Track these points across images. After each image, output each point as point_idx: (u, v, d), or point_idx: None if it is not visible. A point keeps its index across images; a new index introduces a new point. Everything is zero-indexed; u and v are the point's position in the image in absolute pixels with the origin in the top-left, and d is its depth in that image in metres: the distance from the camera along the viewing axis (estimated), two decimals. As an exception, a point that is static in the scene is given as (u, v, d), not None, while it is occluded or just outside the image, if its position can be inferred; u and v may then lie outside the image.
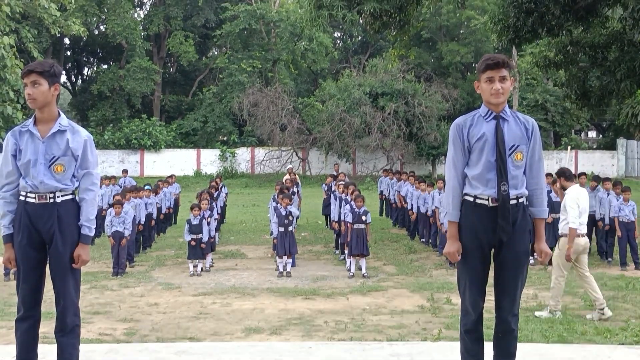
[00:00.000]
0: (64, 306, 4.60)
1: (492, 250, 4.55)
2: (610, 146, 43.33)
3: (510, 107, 4.16)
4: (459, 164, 4.52)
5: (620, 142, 41.30)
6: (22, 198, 4.61)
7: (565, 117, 41.45)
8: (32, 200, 4.57)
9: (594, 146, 49.57)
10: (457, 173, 4.52)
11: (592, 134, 60.98)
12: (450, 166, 4.55)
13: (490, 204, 4.43)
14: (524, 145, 4.49)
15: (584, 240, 9.11)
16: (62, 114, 4.71)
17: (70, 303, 4.61)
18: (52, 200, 4.57)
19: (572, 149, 38.16)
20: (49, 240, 4.58)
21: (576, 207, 8.99)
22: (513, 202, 4.44)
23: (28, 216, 4.57)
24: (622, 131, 40.05)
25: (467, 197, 4.51)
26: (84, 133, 4.72)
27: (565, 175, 9.50)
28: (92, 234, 4.71)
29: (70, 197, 4.65)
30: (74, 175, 4.67)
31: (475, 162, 4.49)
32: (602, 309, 8.73)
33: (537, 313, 8.97)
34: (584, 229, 9.12)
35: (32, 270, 4.60)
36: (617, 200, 13.44)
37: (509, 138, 4.46)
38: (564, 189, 9.50)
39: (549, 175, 15.43)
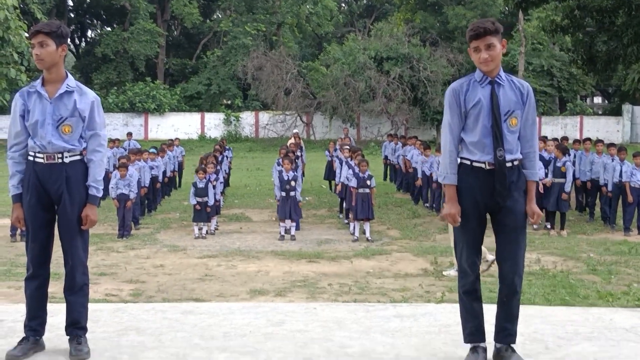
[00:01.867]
0: (72, 265, 4.65)
1: (488, 214, 4.59)
2: (616, 112, 43.11)
3: (516, 72, 4.10)
4: (455, 128, 4.55)
5: (626, 107, 41.08)
6: (30, 158, 4.63)
7: (571, 82, 41.21)
8: (41, 161, 4.59)
9: (600, 112, 49.35)
10: (453, 137, 4.54)
11: (597, 99, 60.67)
12: (447, 130, 4.57)
13: (487, 167, 4.47)
14: (519, 110, 4.51)
15: None
16: (69, 75, 4.72)
17: (78, 262, 4.65)
18: (60, 160, 4.60)
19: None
20: (57, 200, 4.62)
21: None
22: (509, 165, 4.47)
23: (37, 176, 4.60)
24: (628, 97, 39.85)
25: (464, 161, 4.54)
26: (91, 94, 4.73)
27: None
28: (100, 194, 4.74)
29: (78, 157, 4.67)
30: (81, 136, 4.69)
31: (472, 128, 4.51)
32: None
33: (444, 272, 9.34)
34: None
35: (41, 229, 4.64)
36: (623, 165, 13.42)
37: (504, 103, 4.48)
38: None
39: (554, 140, 15.43)
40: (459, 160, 4.57)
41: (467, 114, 4.51)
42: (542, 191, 13.05)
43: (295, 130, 26.03)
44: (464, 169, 4.53)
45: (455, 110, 4.53)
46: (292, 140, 21.39)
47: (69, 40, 4.83)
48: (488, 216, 4.61)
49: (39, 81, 4.69)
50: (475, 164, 4.50)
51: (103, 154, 4.74)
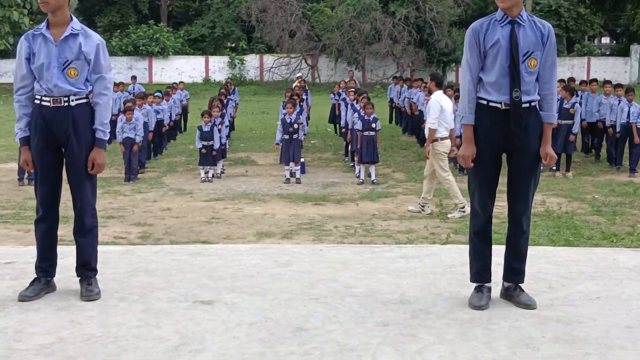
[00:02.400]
0: (81, 207, 4.69)
1: (504, 154, 4.60)
2: (624, 52, 42.63)
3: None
4: (474, 69, 4.52)
5: (634, 48, 40.61)
6: (37, 101, 4.63)
7: (579, 22, 40.64)
8: (47, 104, 4.60)
9: (607, 52, 48.81)
10: (472, 77, 4.52)
11: (605, 39, 59.93)
12: (466, 70, 4.55)
13: (503, 107, 4.46)
14: (539, 51, 4.47)
15: (448, 142, 9.75)
16: (74, 18, 4.69)
17: (87, 204, 4.70)
18: (66, 103, 4.60)
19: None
20: (64, 143, 4.63)
21: (434, 111, 9.56)
22: (525, 106, 4.46)
23: (43, 119, 4.61)
24: (637, 37, 39.40)
25: (480, 101, 4.53)
26: (96, 37, 4.70)
27: (437, 79, 10.10)
28: (107, 137, 4.75)
29: (84, 100, 4.67)
30: (87, 80, 4.69)
31: (490, 68, 4.48)
32: (424, 206, 9.63)
33: (449, 215, 9.56)
34: (446, 133, 9.73)
35: (49, 172, 4.66)
36: (631, 106, 13.35)
37: (524, 44, 4.43)
38: (430, 92, 10.14)
39: (561, 81, 15.31)
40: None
41: (486, 54, 4.48)
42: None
43: (298, 74, 25.79)
44: (480, 109, 4.52)
45: (475, 50, 4.50)
46: (296, 84, 21.28)
47: (72, -18, 4.77)
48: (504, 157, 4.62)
49: (43, 24, 4.66)
50: (491, 104, 4.49)
51: (109, 97, 4.74)
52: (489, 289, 4.65)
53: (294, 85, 21.34)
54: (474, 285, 4.67)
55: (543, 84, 4.54)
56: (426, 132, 9.98)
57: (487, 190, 4.57)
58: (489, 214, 4.61)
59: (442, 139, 9.61)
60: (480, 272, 4.64)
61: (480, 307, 4.50)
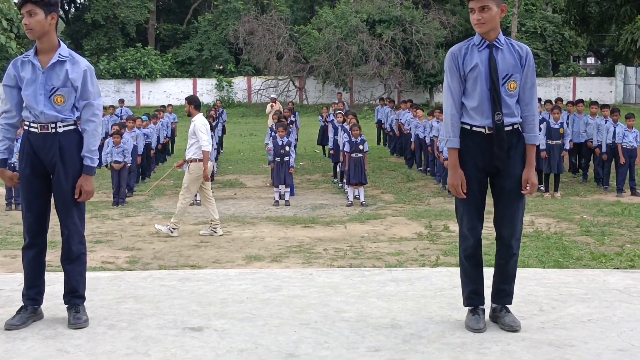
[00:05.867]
0: (68, 235, 4.64)
1: (489, 177, 4.59)
2: (609, 73, 43.00)
3: (509, 34, 4.07)
4: (455, 93, 4.54)
5: (619, 68, 40.97)
6: (25, 127, 4.62)
7: (563, 44, 40.97)
8: (35, 130, 4.57)
9: (593, 72, 49.22)
10: (454, 101, 4.54)
11: (590, 60, 60.48)
12: (448, 95, 4.57)
13: (486, 132, 4.47)
14: (518, 73, 4.50)
15: (211, 164, 10.37)
16: (62, 44, 4.67)
17: (75, 231, 4.65)
18: (53, 130, 4.58)
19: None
20: (51, 170, 4.60)
21: (206, 132, 9.99)
22: (508, 128, 4.48)
23: (31, 146, 4.59)
24: (621, 57, 39.71)
25: (464, 126, 4.54)
26: (83, 63, 4.68)
27: (195, 102, 10.36)
28: (95, 164, 4.71)
29: (72, 127, 4.65)
30: (75, 106, 4.67)
31: (471, 92, 4.51)
32: (215, 229, 9.89)
33: (156, 226, 9.95)
34: (201, 154, 10.09)
35: (37, 198, 4.63)
36: (616, 126, 13.43)
37: (502, 67, 4.46)
38: (190, 115, 10.31)
39: (548, 102, 15.41)
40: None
41: (466, 78, 4.51)
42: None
43: (272, 96, 25.26)
44: (464, 134, 4.53)
45: (455, 74, 4.53)
46: (270, 108, 21.08)
47: (59, 7, 4.75)
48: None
49: (32, 50, 4.65)
50: (474, 128, 4.51)
51: (97, 123, 4.71)
52: (484, 310, 4.62)
53: (267, 111, 21.43)
54: (467, 308, 4.65)
55: (524, 105, 4.56)
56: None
57: (475, 213, 4.56)
58: (478, 237, 4.60)
59: (199, 160, 9.91)
60: (472, 296, 4.62)
61: (479, 329, 4.48)
